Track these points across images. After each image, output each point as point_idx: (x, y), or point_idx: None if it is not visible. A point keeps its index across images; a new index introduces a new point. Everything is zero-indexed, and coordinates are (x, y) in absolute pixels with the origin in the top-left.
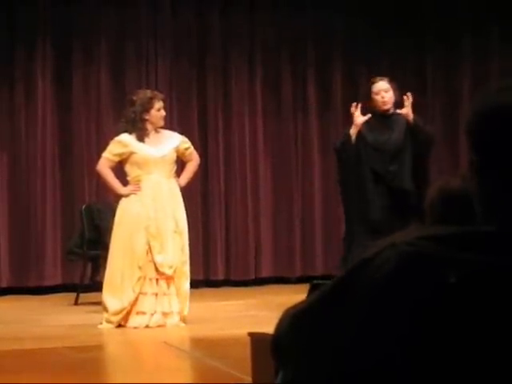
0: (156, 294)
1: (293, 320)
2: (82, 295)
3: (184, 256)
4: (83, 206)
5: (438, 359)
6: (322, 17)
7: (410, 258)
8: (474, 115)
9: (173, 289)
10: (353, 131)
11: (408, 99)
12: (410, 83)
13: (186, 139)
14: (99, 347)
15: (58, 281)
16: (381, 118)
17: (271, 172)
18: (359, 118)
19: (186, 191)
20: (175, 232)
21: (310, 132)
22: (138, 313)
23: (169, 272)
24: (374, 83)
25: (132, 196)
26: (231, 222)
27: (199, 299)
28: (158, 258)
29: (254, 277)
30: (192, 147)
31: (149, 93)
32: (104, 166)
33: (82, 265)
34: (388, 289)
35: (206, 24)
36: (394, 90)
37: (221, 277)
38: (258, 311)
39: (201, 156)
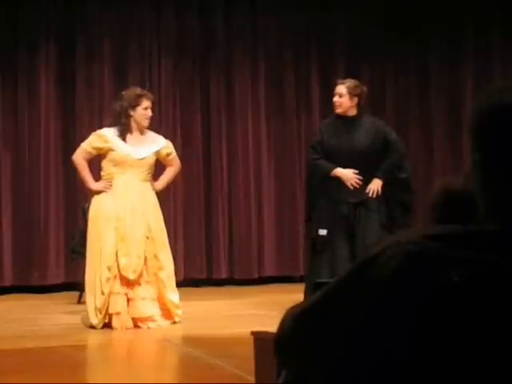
0: (126, 294)
1: (295, 319)
2: (84, 294)
3: (159, 262)
4: (86, 205)
5: (441, 357)
6: (324, 15)
7: (414, 256)
8: (476, 114)
9: (145, 293)
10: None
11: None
12: (413, 81)
13: (169, 144)
14: (102, 346)
15: (61, 279)
16: (342, 122)
17: (274, 170)
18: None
19: (189, 190)
20: (147, 237)
21: (313, 130)
22: (112, 314)
23: (132, 276)
24: (336, 85)
25: (104, 193)
26: (234, 220)
27: (202, 298)
28: (122, 261)
29: (257, 276)
30: (174, 153)
31: (138, 90)
32: (80, 157)
33: (84, 263)
34: (391, 287)
35: (209, 23)
36: (354, 96)
37: (224, 275)
38: (261, 310)
39: (204, 155)
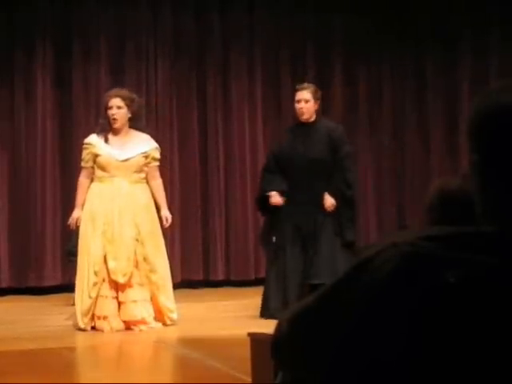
0: (116, 298)
1: (291, 321)
2: None
3: (149, 265)
4: None
5: (438, 359)
6: (321, 16)
7: (410, 258)
8: (474, 115)
9: (137, 295)
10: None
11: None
12: (409, 83)
13: (158, 150)
14: (98, 348)
15: (58, 281)
16: (302, 127)
17: None
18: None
19: (185, 191)
20: (136, 240)
21: None
22: (99, 317)
23: (121, 280)
24: (297, 91)
25: (94, 198)
26: (231, 221)
27: (199, 299)
28: (111, 264)
29: (253, 277)
30: (158, 163)
31: (111, 92)
32: (82, 176)
33: None
34: (388, 289)
35: (206, 24)
36: (317, 100)
37: (221, 277)
38: (258, 311)
39: (200, 155)
